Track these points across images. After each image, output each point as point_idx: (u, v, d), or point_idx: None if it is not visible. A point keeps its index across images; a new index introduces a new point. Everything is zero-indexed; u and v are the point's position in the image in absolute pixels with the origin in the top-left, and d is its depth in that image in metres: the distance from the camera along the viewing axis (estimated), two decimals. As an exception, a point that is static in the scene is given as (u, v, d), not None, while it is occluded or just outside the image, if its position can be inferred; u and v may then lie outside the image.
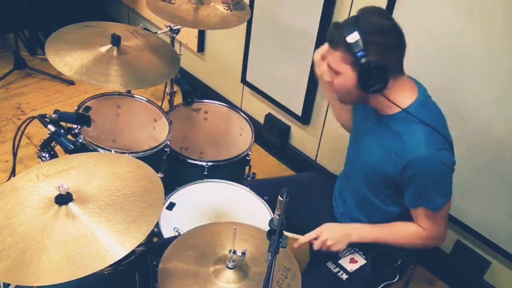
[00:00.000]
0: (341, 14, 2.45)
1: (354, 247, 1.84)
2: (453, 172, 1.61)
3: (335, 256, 1.81)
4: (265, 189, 1.95)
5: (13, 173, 1.83)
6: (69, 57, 1.91)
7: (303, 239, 1.69)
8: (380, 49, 1.51)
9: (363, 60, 1.50)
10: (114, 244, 1.20)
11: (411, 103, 1.60)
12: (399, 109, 1.61)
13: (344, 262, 1.80)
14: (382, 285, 1.83)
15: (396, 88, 1.59)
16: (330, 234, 1.69)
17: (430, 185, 1.59)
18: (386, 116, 1.66)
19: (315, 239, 1.69)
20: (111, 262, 1.17)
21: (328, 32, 1.61)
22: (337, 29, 1.56)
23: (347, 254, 1.82)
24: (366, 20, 1.53)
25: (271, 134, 3.08)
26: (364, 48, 1.49)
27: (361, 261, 1.81)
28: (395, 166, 1.61)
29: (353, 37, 1.50)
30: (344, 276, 1.77)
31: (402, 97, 1.61)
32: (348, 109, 1.94)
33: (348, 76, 1.56)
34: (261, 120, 3.12)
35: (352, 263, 1.80)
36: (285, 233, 1.62)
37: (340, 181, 1.99)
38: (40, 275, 1.13)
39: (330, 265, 1.80)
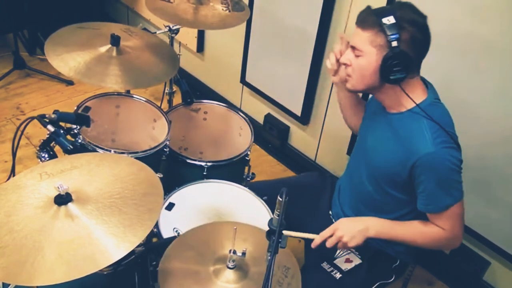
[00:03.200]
0: (340, 14, 2.45)
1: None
2: (461, 171, 1.61)
3: (330, 257, 1.81)
4: (263, 191, 1.95)
5: (12, 173, 1.83)
6: (69, 57, 1.92)
7: (318, 238, 1.65)
8: (410, 40, 1.52)
9: (394, 44, 1.51)
10: (108, 247, 1.19)
11: (420, 102, 1.61)
12: (407, 108, 1.62)
13: (340, 262, 1.80)
14: (377, 284, 1.82)
15: (409, 85, 1.60)
16: (346, 230, 1.64)
17: (437, 184, 1.58)
18: (393, 114, 1.66)
19: (330, 236, 1.65)
20: (105, 266, 1.16)
21: (361, 13, 1.60)
22: (371, 11, 1.57)
23: (343, 254, 1.82)
24: (401, 10, 1.54)
25: (271, 134, 3.08)
26: (398, 32, 1.51)
27: (356, 260, 1.81)
28: (404, 165, 1.60)
29: (389, 19, 1.51)
30: (338, 275, 1.77)
31: (412, 95, 1.61)
32: (359, 112, 1.94)
33: (370, 59, 1.57)
34: (261, 120, 3.12)
35: (347, 263, 1.80)
36: (300, 234, 1.61)
37: (343, 181, 1.99)
38: (34, 275, 1.13)
39: (325, 265, 1.80)
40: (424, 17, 1.56)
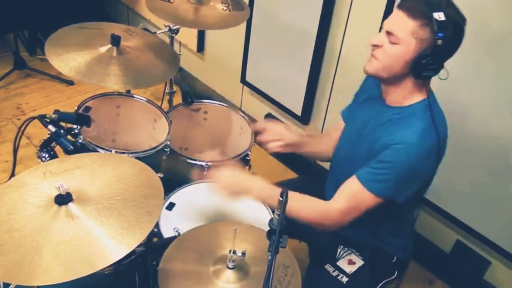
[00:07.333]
0: (340, 14, 2.45)
1: (349, 247, 1.83)
2: (420, 179, 1.58)
3: (333, 258, 1.81)
4: None
5: (13, 173, 1.83)
6: (69, 58, 1.92)
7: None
8: (448, 41, 1.48)
9: (439, 42, 1.46)
10: (106, 249, 1.19)
11: (424, 99, 1.60)
12: (410, 103, 1.59)
13: (343, 264, 1.80)
14: (382, 283, 1.82)
15: (424, 82, 1.58)
16: (227, 181, 1.67)
17: (398, 175, 1.53)
18: (395, 108, 1.63)
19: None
20: (101, 267, 1.16)
21: (410, 0, 1.52)
22: (421, 2, 1.50)
23: (344, 255, 1.82)
24: (448, 7, 1.49)
25: (271, 134, 3.08)
26: (445, 31, 1.45)
27: (358, 262, 1.80)
28: (383, 143, 1.56)
29: (439, 15, 1.45)
30: (344, 279, 1.77)
31: (421, 92, 1.59)
32: (319, 143, 2.01)
33: (407, 49, 1.50)
34: (261, 120, 3.12)
35: (351, 265, 1.79)
36: None
37: (328, 176, 1.96)
38: (31, 275, 1.13)
39: (329, 268, 1.79)
40: (464, 20, 1.50)
